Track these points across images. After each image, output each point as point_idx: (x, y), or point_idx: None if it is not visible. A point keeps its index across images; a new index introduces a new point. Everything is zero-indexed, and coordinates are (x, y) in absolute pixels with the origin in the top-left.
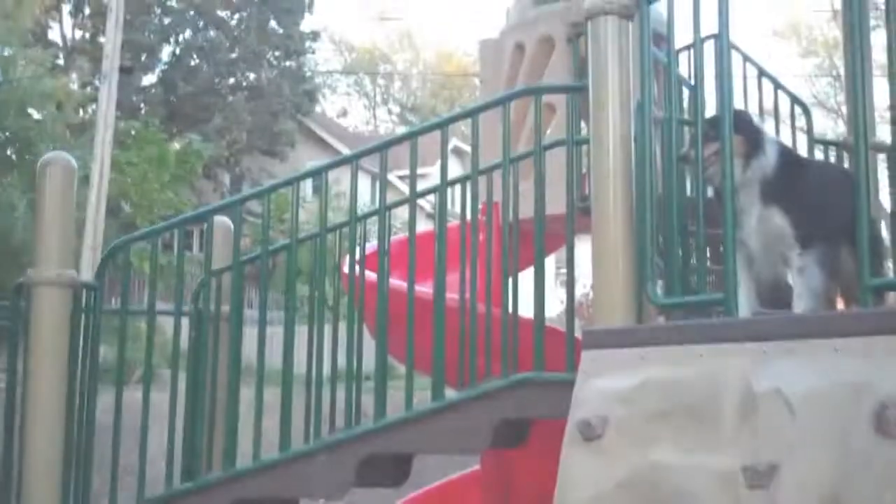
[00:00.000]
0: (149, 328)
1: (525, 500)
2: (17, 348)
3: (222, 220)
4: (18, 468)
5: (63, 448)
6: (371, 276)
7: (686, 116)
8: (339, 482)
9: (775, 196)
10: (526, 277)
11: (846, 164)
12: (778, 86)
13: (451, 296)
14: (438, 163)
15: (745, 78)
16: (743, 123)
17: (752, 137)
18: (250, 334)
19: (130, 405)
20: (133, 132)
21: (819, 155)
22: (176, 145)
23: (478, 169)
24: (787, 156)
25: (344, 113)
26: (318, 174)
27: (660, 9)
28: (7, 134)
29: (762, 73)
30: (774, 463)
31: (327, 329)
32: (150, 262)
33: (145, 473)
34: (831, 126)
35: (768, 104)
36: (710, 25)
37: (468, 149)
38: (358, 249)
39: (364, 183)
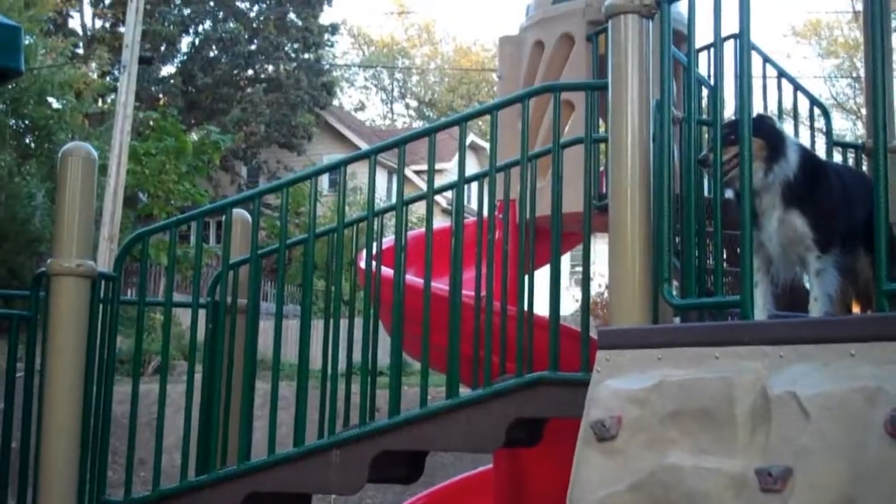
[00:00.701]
0: (165, 320)
1: (537, 500)
2: (35, 338)
3: (240, 213)
4: (35, 458)
5: (79, 438)
6: (387, 271)
7: (705, 116)
8: (353, 478)
9: (796, 199)
10: (541, 276)
11: (865, 167)
12: (798, 87)
13: (467, 293)
14: (455, 158)
15: (764, 78)
16: (765, 127)
17: (773, 141)
18: (265, 327)
19: (144, 396)
20: (151, 123)
21: (838, 157)
22: (194, 136)
23: (495, 166)
24: (808, 159)
25: (361, 107)
26: (336, 168)
27: (680, 8)
28: (26, 123)
29: (782, 73)
30: (788, 467)
31: (343, 324)
32: (167, 253)
33: (161, 465)
34: (850, 128)
35: (788, 105)
36: (730, 25)
37: (484, 144)
38: (374, 245)
39: (380, 177)
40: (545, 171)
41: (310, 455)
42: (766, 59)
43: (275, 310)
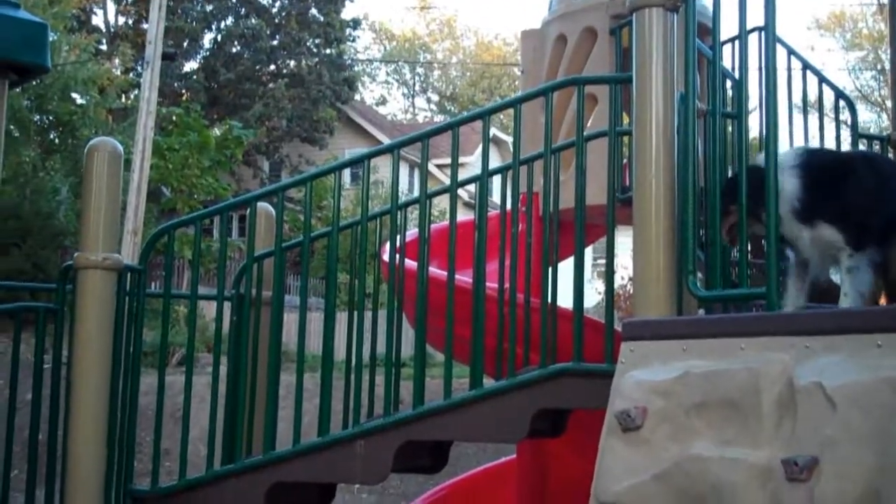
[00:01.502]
0: (191, 312)
1: (561, 490)
2: (62, 330)
3: (264, 207)
4: (63, 448)
5: (107, 429)
6: (410, 264)
7: (729, 109)
8: (377, 468)
9: (817, 213)
10: (564, 268)
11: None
12: (822, 79)
13: (490, 285)
14: (476, 152)
15: (789, 71)
16: (746, 188)
17: (756, 194)
18: (289, 320)
19: (168, 387)
20: (174, 118)
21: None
22: (216, 132)
23: (519, 158)
24: (812, 170)
25: (383, 101)
26: (359, 162)
27: (705, 1)
28: (50, 118)
29: (806, 66)
30: (814, 457)
31: (367, 316)
32: (193, 246)
33: (187, 454)
34: (875, 120)
35: (812, 98)
36: (754, 18)
37: (506, 138)
38: (397, 238)
39: (402, 171)
40: (568, 165)
41: (334, 445)
42: (790, 52)
43: (298, 302)
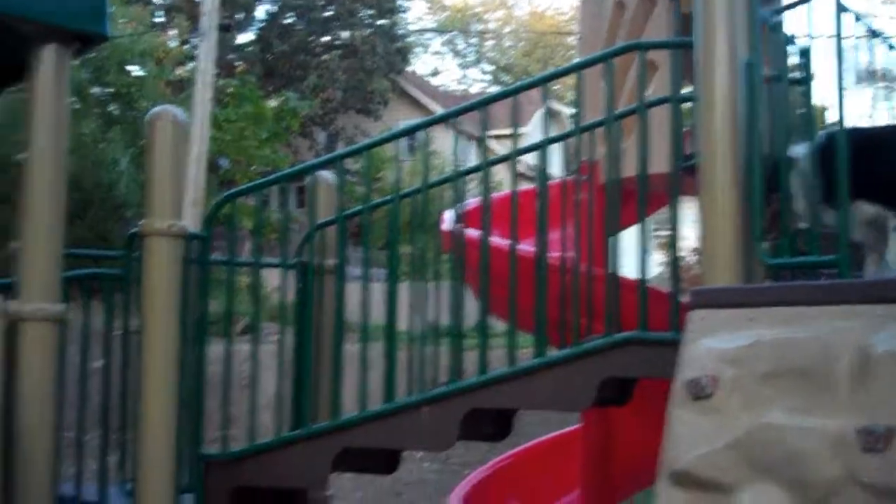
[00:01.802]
0: (254, 279)
1: (625, 460)
2: (129, 298)
3: (325, 176)
4: (134, 415)
5: (177, 395)
6: (471, 233)
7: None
8: (442, 435)
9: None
10: (623, 239)
11: None
12: (891, 46)
13: (553, 254)
14: (532, 122)
15: (855, 38)
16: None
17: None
18: (351, 290)
19: (217, 358)
20: (231, 90)
21: None
22: (272, 103)
23: (580, 126)
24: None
25: (436, 72)
26: (418, 131)
27: None
28: (110, 91)
29: (873, 33)
30: (891, 426)
31: (427, 286)
32: (254, 215)
33: (257, 420)
34: None
35: (879, 65)
36: None
37: (561, 108)
38: (457, 207)
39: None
40: (629, 133)
41: (400, 412)
42: (857, 18)
43: (359, 273)
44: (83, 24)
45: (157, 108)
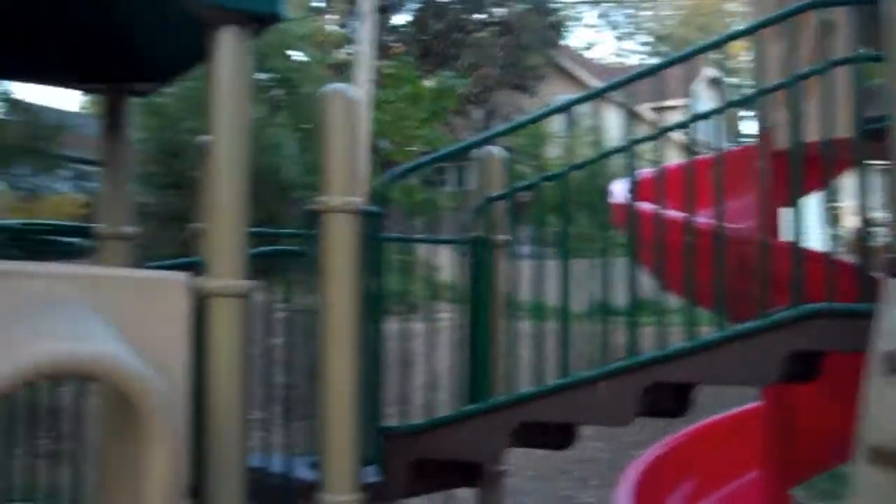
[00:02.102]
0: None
1: (810, 437)
2: (310, 274)
3: (491, 152)
4: (317, 391)
5: (357, 372)
6: (644, 206)
7: None
8: (620, 410)
9: None
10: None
11: None
12: None
13: (732, 225)
14: (689, 95)
15: None
16: None
17: None
18: (521, 268)
19: (396, 334)
20: (391, 71)
21: None
22: (429, 83)
23: (761, 88)
24: None
25: (590, 46)
26: (592, 99)
27: None
28: (275, 76)
29: None
30: None
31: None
32: (416, 194)
33: (437, 396)
34: None
35: None
36: None
37: (727, 79)
38: (628, 179)
39: (614, 116)
40: (808, 96)
41: (577, 386)
42: None
43: (528, 251)
44: (260, 5)
45: (330, 87)
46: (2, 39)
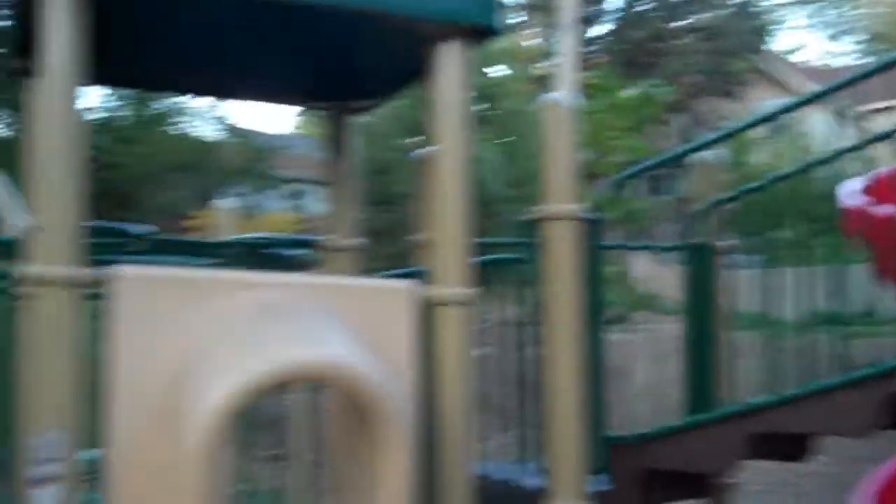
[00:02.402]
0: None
1: None
2: (532, 283)
3: (704, 157)
4: (536, 401)
5: (581, 381)
6: (881, 209)
7: None
8: (859, 421)
9: None
10: None
11: None
12: None
13: None
14: None
15: None
16: None
17: None
18: (739, 277)
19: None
20: (593, 82)
21: None
22: (630, 92)
23: None
24: None
25: (794, 50)
26: (816, 101)
27: None
28: (476, 94)
29: None
30: None
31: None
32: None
33: (664, 406)
34: None
35: None
36: None
37: None
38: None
39: (824, 121)
40: None
41: (817, 395)
42: None
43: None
44: (478, 19)
45: (549, 95)
46: (232, 60)
